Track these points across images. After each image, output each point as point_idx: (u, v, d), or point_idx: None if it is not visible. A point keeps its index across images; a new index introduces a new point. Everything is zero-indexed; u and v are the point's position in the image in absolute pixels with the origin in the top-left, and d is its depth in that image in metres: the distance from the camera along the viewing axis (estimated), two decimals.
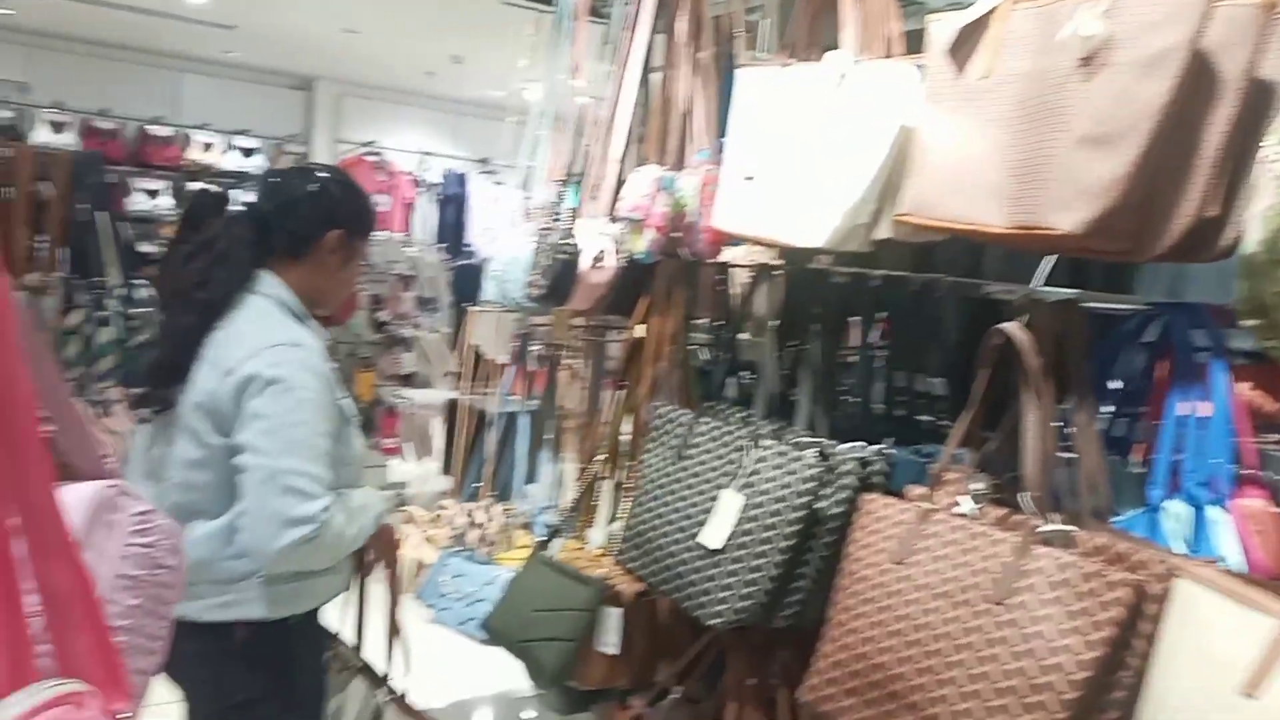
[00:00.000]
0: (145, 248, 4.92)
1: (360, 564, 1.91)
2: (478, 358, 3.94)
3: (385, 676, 2.02)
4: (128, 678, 0.77)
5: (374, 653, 2.05)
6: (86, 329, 2.34)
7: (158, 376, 1.64)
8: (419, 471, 4.96)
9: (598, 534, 2.33)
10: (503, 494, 3.08)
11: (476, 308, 3.03)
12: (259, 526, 1.50)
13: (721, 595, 1.76)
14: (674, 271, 2.20)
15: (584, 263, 2.32)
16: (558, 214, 2.46)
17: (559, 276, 2.28)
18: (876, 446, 1.81)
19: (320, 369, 1.64)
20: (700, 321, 2.43)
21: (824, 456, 1.74)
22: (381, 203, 8.78)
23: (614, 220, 2.35)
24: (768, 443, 1.80)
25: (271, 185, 1.76)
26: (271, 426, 1.52)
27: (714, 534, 1.79)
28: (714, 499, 1.83)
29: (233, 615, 1.59)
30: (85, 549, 0.92)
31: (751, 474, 1.79)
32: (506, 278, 2.66)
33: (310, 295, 1.76)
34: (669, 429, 2.00)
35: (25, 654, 0.66)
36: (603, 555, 2.29)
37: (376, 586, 1.98)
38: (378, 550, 1.91)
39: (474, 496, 3.27)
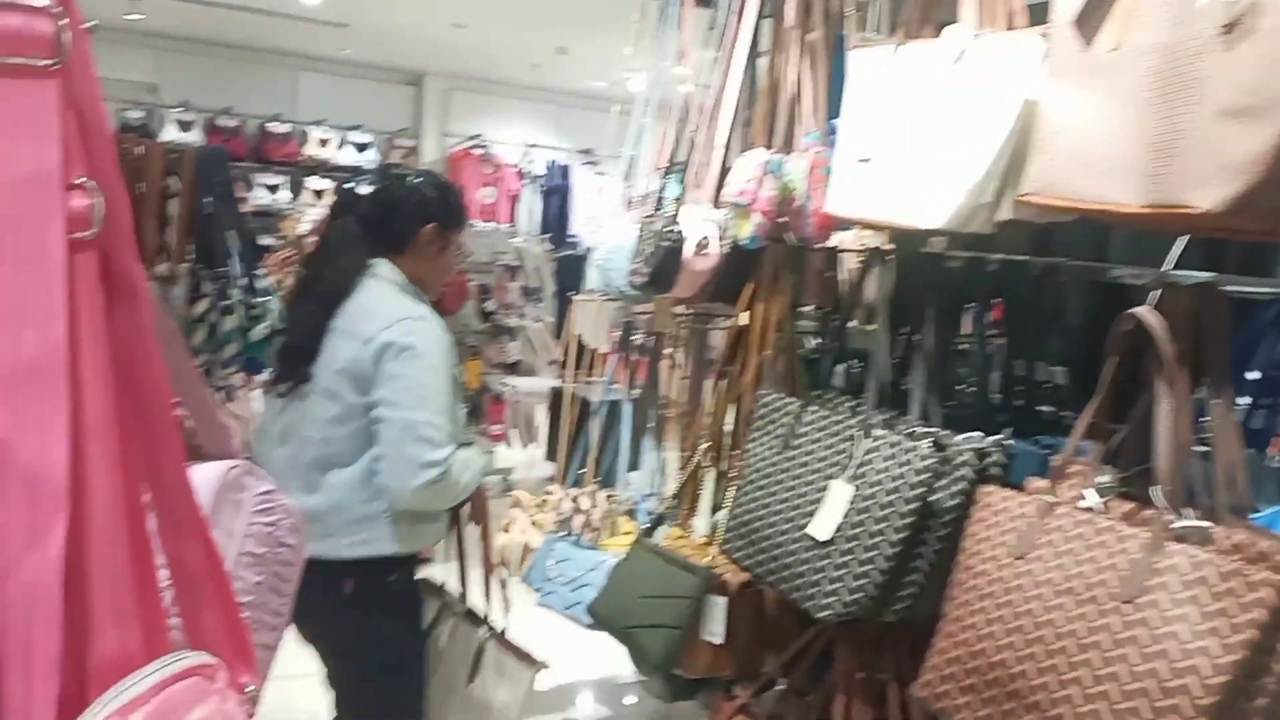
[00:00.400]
0: (265, 240, 5.12)
1: (456, 519, 2.10)
2: (581, 346, 3.97)
3: (485, 617, 2.15)
4: (254, 652, 0.79)
5: (474, 598, 2.24)
6: (211, 317, 2.43)
7: (291, 360, 1.88)
8: (523, 458, 5.04)
9: (701, 522, 2.31)
10: (606, 481, 3.09)
11: (580, 297, 3.04)
12: (397, 469, 1.77)
13: (831, 587, 1.73)
14: (780, 257, 2.17)
15: (688, 250, 2.30)
16: (661, 202, 2.45)
17: (662, 264, 2.27)
18: (994, 437, 1.74)
19: (443, 338, 1.89)
20: (806, 309, 2.39)
21: (939, 447, 1.68)
22: (487, 195, 8.95)
23: (719, 206, 2.33)
24: (880, 433, 1.75)
25: (374, 190, 2.00)
26: (406, 385, 1.77)
27: (823, 525, 1.76)
28: (822, 490, 1.80)
29: (370, 551, 1.81)
30: (213, 527, 0.95)
31: (862, 464, 1.74)
32: (610, 266, 2.66)
33: (415, 282, 1.98)
34: (775, 418, 1.97)
35: (160, 626, 0.69)
36: (707, 544, 2.28)
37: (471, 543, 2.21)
38: (475, 505, 2.12)
39: (578, 483, 3.29)
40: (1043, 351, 2.10)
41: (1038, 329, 2.07)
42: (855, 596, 1.70)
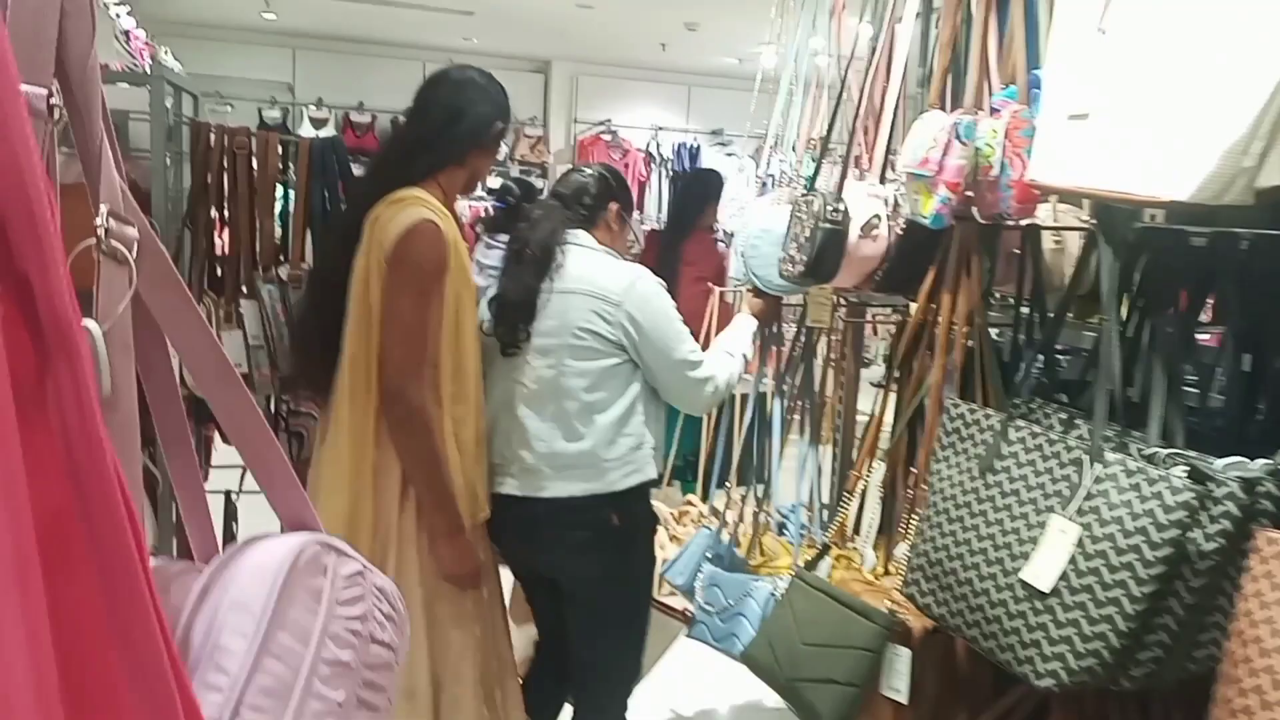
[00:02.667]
0: None
1: None
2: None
3: None
4: None
5: None
6: None
7: (512, 319, 2.03)
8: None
9: (871, 552, 2.00)
10: (746, 482, 2.80)
11: (720, 288, 2.76)
12: (683, 395, 2.12)
13: (1053, 650, 1.39)
14: (970, 238, 1.82)
15: (853, 233, 1.98)
16: (814, 180, 2.13)
17: (822, 250, 1.95)
18: (1262, 461, 1.37)
19: (659, 281, 2.13)
20: (1000, 298, 2.04)
21: (1198, 477, 1.32)
22: None
23: (889, 180, 2.00)
24: (1114, 457, 1.40)
25: (566, 174, 2.26)
26: (662, 329, 2.05)
27: (1043, 572, 1.42)
28: (1036, 526, 1.46)
29: (637, 479, 2.07)
30: (279, 629, 0.71)
31: (1092, 497, 1.40)
32: (755, 254, 2.36)
33: None
34: (971, 434, 1.64)
35: None
36: (880, 576, 1.96)
37: None
38: None
39: (721, 486, 3.00)
40: None
41: None
42: (1085, 663, 1.36)
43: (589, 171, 2.25)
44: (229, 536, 2.59)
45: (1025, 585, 1.44)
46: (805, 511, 2.61)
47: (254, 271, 2.22)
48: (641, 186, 8.78)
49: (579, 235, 2.13)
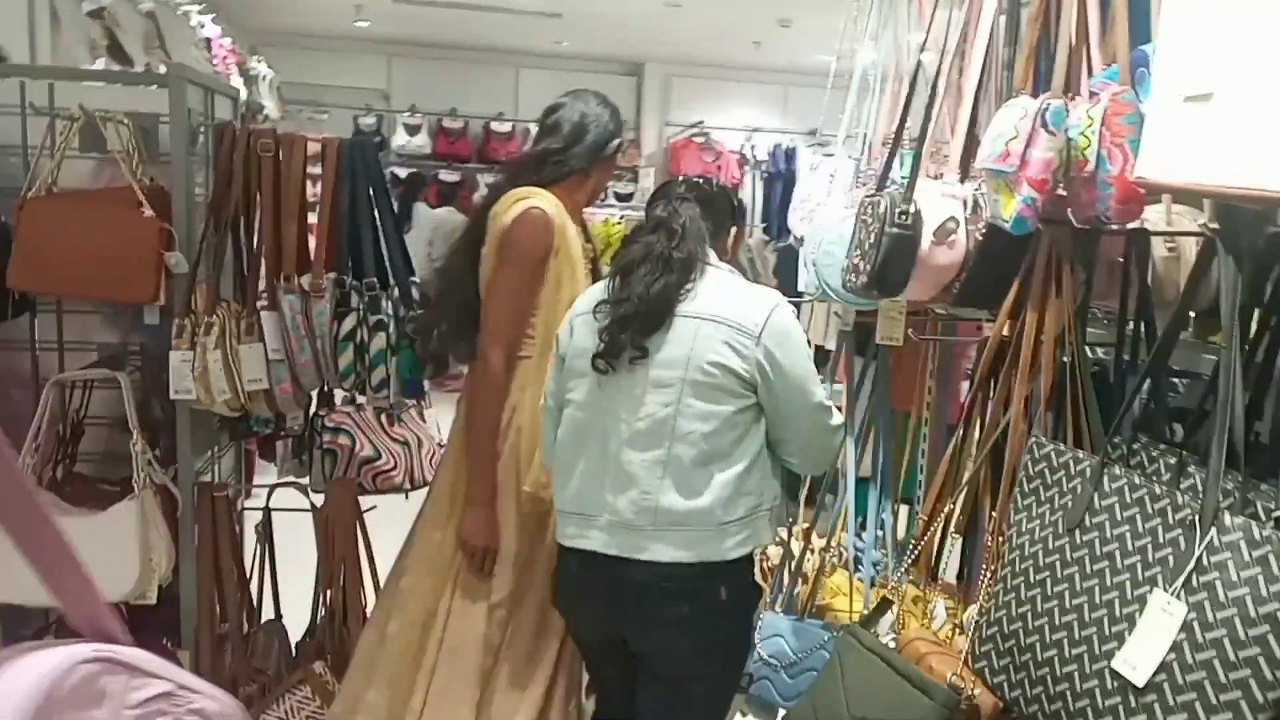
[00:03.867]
0: None
1: None
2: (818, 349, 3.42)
3: None
4: None
5: None
6: (360, 335, 2.09)
7: (635, 328, 1.74)
8: None
9: (943, 607, 1.73)
10: (818, 514, 2.54)
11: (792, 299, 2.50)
12: (813, 446, 1.82)
13: None
14: (1061, 244, 1.54)
15: (925, 238, 1.72)
16: (886, 179, 1.88)
17: (889, 258, 1.70)
18: None
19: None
20: (1103, 316, 1.75)
21: None
22: None
23: (968, 179, 1.73)
24: (1234, 521, 1.11)
25: (697, 184, 1.94)
26: (801, 371, 1.75)
27: (1139, 660, 1.14)
28: (1134, 602, 1.18)
29: (750, 546, 1.77)
30: None
31: (1205, 570, 1.12)
32: (826, 263, 2.11)
33: None
34: (1058, 481, 1.36)
35: None
36: (952, 637, 1.69)
37: None
38: None
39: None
40: None
41: None
42: None
43: (717, 183, 1.99)
44: (267, 554, 2.48)
45: (1116, 675, 1.16)
46: (878, 551, 2.34)
47: (275, 281, 2.09)
48: (734, 189, 8.53)
49: (711, 255, 1.84)
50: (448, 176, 8.50)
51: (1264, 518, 1.15)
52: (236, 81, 5.01)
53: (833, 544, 2.34)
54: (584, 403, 1.80)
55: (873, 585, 2.28)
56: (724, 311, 1.73)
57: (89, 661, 0.57)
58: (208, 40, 4.61)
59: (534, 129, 8.22)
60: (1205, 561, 1.12)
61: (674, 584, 1.70)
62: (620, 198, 8.03)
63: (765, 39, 7.36)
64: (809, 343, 1.85)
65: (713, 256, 1.84)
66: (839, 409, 1.85)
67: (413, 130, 8.44)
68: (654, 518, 1.69)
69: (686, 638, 1.76)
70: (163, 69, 2.78)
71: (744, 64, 8.51)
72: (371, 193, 2.22)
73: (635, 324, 1.73)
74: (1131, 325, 1.62)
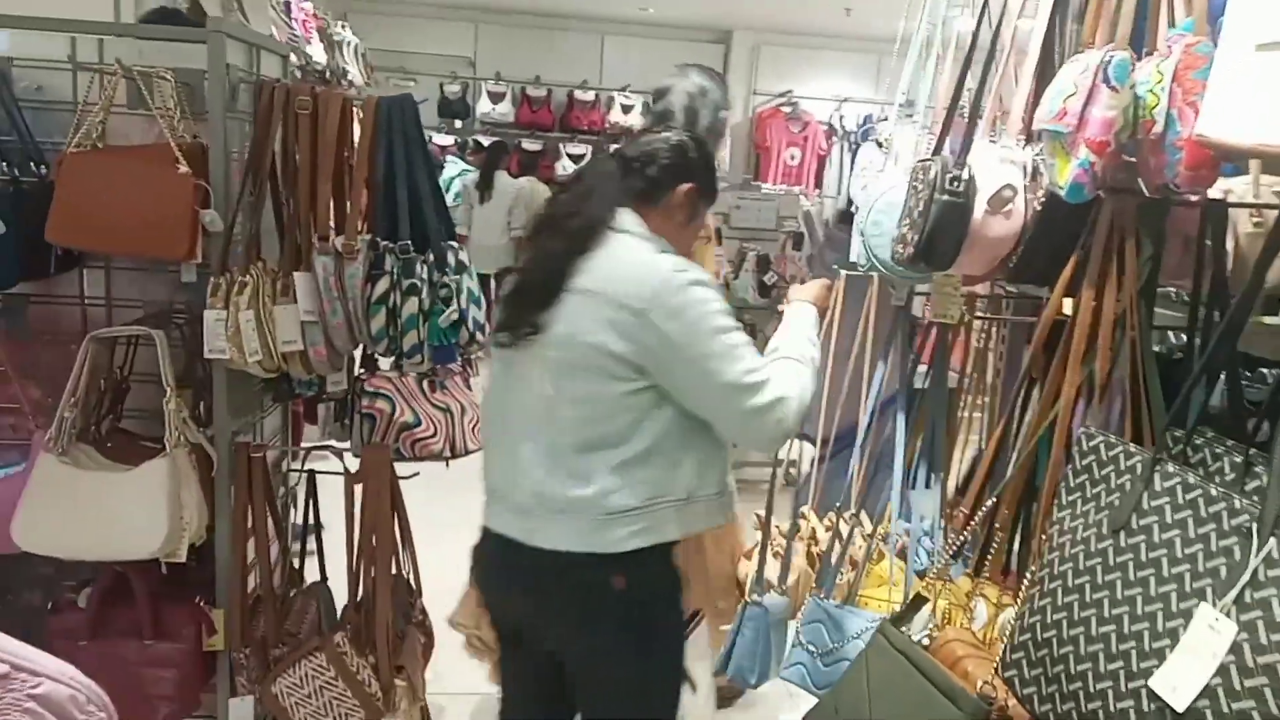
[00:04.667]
0: None
1: None
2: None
3: None
4: None
5: None
6: (393, 299, 2.05)
7: (526, 301, 1.65)
8: (794, 453, 4.42)
9: (985, 605, 1.61)
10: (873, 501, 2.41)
11: (844, 271, 2.37)
12: (744, 431, 1.61)
13: None
14: (1125, 215, 1.39)
15: (979, 207, 1.58)
16: (942, 145, 1.74)
17: (939, 227, 1.57)
18: None
19: (706, 278, 1.63)
20: (1168, 294, 1.59)
21: None
22: (791, 157, 8.30)
23: (1027, 142, 1.58)
24: None
25: (639, 136, 1.83)
26: (701, 348, 1.56)
27: (1180, 682, 1.01)
28: (1179, 616, 1.05)
29: (652, 540, 1.61)
30: None
31: (1260, 585, 0.98)
32: (876, 233, 1.98)
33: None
34: (1106, 476, 1.23)
35: None
36: (993, 639, 1.57)
37: None
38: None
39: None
40: None
41: None
42: None
43: (667, 136, 1.77)
44: (313, 516, 2.48)
45: (1154, 697, 1.04)
46: (927, 540, 2.22)
47: (310, 241, 2.06)
48: (821, 160, 8.31)
49: (624, 216, 1.67)
50: (530, 145, 8.49)
51: None
52: (317, 47, 5.04)
53: (879, 531, 2.22)
54: (494, 380, 1.75)
55: (921, 576, 2.16)
56: (609, 286, 1.57)
57: None
58: (287, 4, 4.63)
59: (618, 97, 8.18)
60: (1262, 575, 0.99)
61: (561, 573, 1.61)
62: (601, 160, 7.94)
63: (857, 5, 7.11)
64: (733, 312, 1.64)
65: (629, 221, 1.67)
66: (766, 381, 1.58)
67: (497, 98, 8.44)
68: (541, 503, 1.61)
69: (583, 632, 1.67)
70: None
71: (834, 31, 8.26)
72: (406, 152, 2.16)
73: (527, 297, 1.64)
74: (1205, 311, 1.46)
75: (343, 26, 6.20)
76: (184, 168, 1.96)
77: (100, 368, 2.14)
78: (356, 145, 2.10)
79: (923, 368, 2.20)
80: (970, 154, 1.63)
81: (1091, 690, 1.13)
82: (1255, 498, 1.06)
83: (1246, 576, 0.99)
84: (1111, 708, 1.09)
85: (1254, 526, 1.02)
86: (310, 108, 2.06)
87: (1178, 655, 1.03)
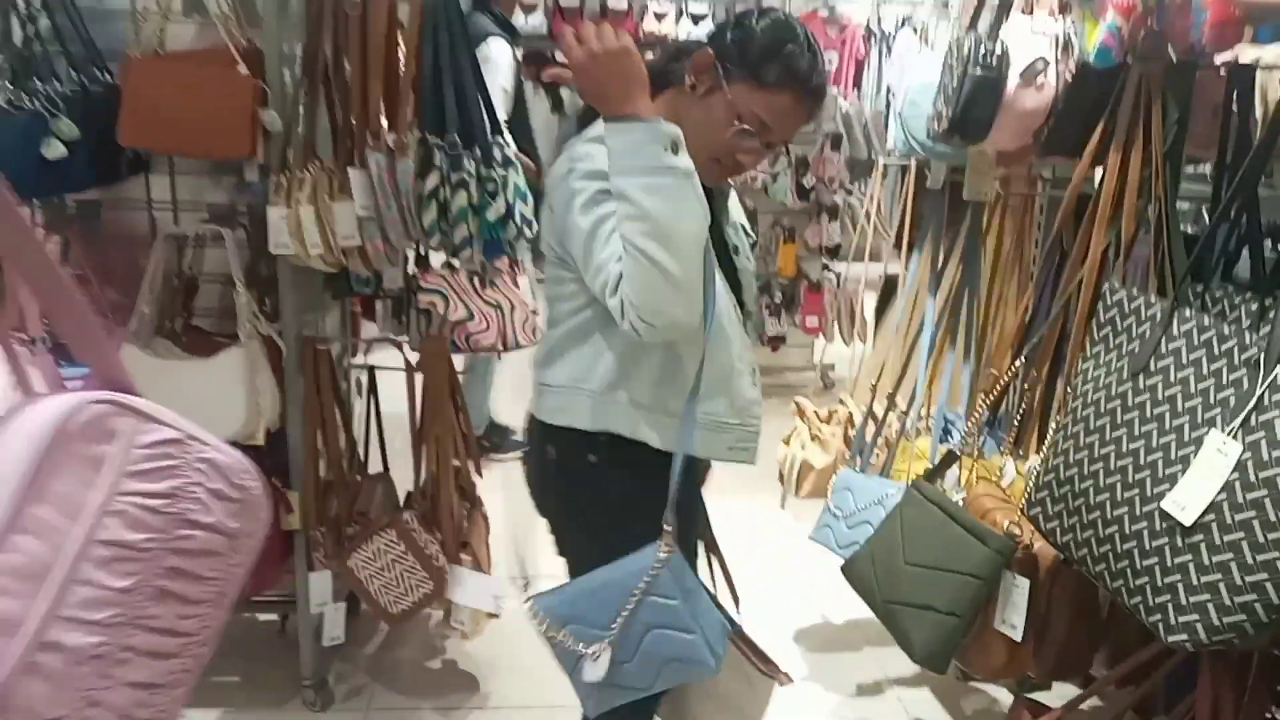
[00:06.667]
0: None
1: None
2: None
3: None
4: None
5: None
6: (443, 193, 2.14)
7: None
8: (847, 354, 4.50)
9: (1013, 464, 1.70)
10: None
11: (883, 160, 2.41)
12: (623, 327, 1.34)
13: (1192, 599, 1.09)
14: (1151, 81, 1.44)
15: (1012, 81, 1.63)
16: (976, 21, 1.77)
17: (972, 101, 1.62)
18: None
19: (590, 167, 1.35)
20: (1196, 162, 1.63)
21: None
22: (830, 61, 8.18)
23: (1060, 13, 1.62)
24: None
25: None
26: (568, 227, 1.37)
27: (1189, 500, 1.11)
28: (1191, 444, 1.14)
29: (566, 421, 1.50)
30: (37, 502, 0.60)
31: (1264, 410, 1.06)
32: (913, 114, 2.03)
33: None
34: (1128, 327, 1.31)
35: None
36: (1019, 495, 1.67)
37: None
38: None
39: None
40: None
41: None
42: (1233, 618, 1.06)
43: (671, 41, 1.60)
44: (371, 409, 2.62)
45: (1166, 516, 1.13)
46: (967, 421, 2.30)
47: (363, 139, 2.14)
48: (860, 64, 8.18)
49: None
50: (561, 57, 8.44)
51: None
52: None
53: (912, 411, 2.31)
54: None
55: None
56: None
57: (100, 402, 0.63)
58: None
59: (651, 4, 7.88)
60: (1266, 400, 1.07)
61: (529, 433, 1.60)
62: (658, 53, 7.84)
63: None
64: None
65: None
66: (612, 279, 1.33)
67: (529, 9, 8.36)
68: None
69: (535, 492, 1.65)
70: None
71: None
72: (451, 51, 2.23)
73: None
74: (1230, 177, 1.51)
75: None
76: (243, 68, 2.04)
77: (171, 267, 2.27)
78: (404, 44, 2.16)
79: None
80: (1003, 28, 1.67)
81: (1109, 517, 1.22)
82: (1260, 336, 1.14)
83: (1253, 403, 1.08)
84: (1127, 530, 1.19)
85: (1261, 358, 1.09)
86: (359, 9, 2.12)
87: (1187, 478, 1.12)
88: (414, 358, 2.53)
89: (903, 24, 7.89)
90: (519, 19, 8.43)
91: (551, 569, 1.65)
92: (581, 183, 1.33)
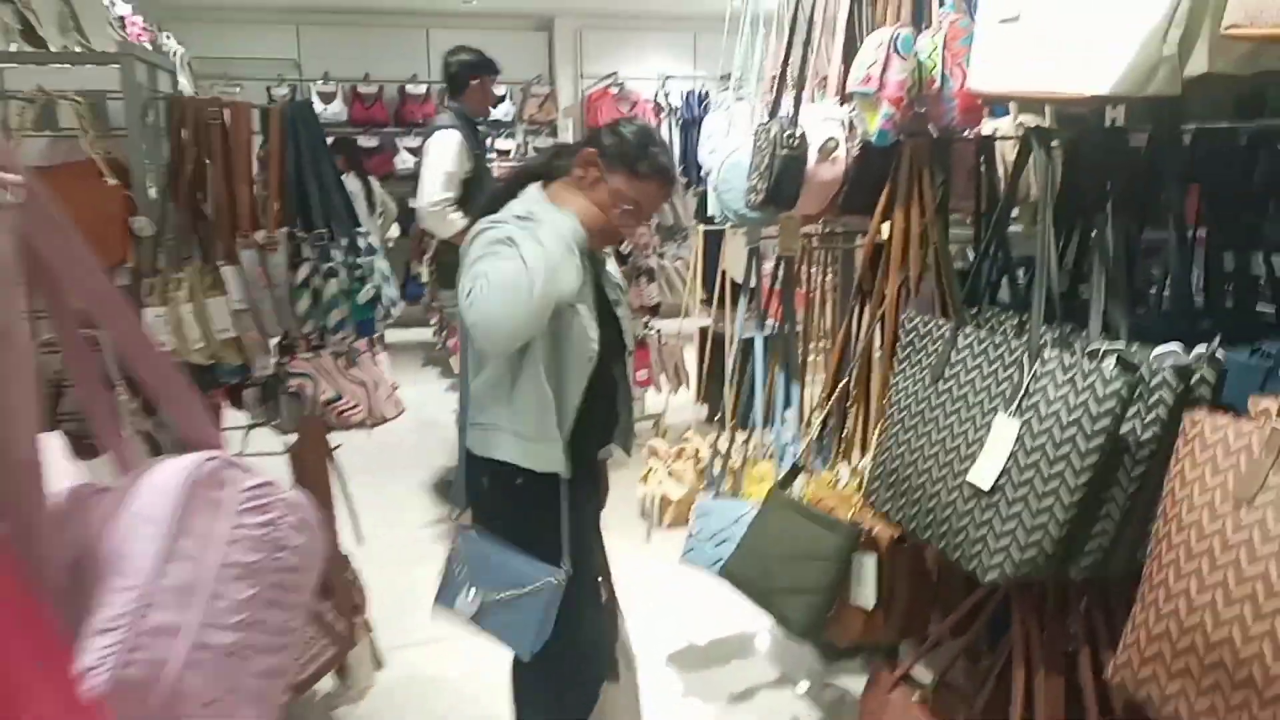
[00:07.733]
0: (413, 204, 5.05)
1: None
2: (732, 282, 3.71)
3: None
4: None
5: None
6: (315, 282, 2.31)
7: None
8: (674, 403, 4.84)
9: (846, 469, 2.04)
10: (746, 423, 2.84)
11: (702, 226, 2.77)
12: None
13: (998, 544, 1.43)
14: (919, 153, 1.83)
15: (811, 157, 2.00)
16: (776, 109, 2.14)
17: (781, 176, 1.97)
18: (1199, 349, 1.39)
19: (508, 235, 1.58)
20: (960, 213, 2.05)
21: (1127, 366, 1.35)
22: None
23: (843, 101, 2.01)
24: (1050, 354, 1.42)
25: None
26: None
27: (985, 470, 1.45)
28: (984, 428, 1.49)
29: (489, 453, 1.71)
30: (183, 536, 0.78)
31: (1031, 394, 1.43)
32: (727, 188, 2.38)
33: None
34: (924, 346, 1.67)
35: None
36: (857, 492, 2.01)
37: None
38: None
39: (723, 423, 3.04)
40: (1258, 239, 1.70)
41: (1252, 212, 1.67)
42: (1028, 555, 1.40)
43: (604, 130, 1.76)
44: None
45: (971, 486, 1.47)
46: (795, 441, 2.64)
47: (233, 238, 2.28)
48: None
49: (527, 190, 1.74)
50: (366, 142, 8.57)
51: (1076, 351, 1.46)
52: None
53: (753, 440, 2.63)
54: None
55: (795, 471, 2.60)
56: None
57: (212, 460, 0.81)
58: (121, 19, 4.65)
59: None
60: (1031, 387, 1.43)
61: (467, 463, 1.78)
62: (540, 151, 8.21)
63: None
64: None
65: (529, 191, 1.74)
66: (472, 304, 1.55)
67: (327, 98, 8.46)
68: None
69: (480, 518, 1.81)
70: (78, 49, 2.90)
71: (653, 13, 8.70)
72: (312, 151, 2.41)
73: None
74: (985, 220, 1.93)
75: (167, 37, 6.16)
76: (111, 180, 2.15)
77: (44, 374, 2.30)
78: (264, 149, 2.33)
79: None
80: (799, 115, 2.04)
81: (928, 493, 1.56)
82: (1023, 340, 1.52)
83: (1024, 389, 1.44)
84: (943, 500, 1.52)
85: (1025, 357, 1.46)
86: (220, 118, 2.28)
87: (983, 454, 1.47)
88: (284, 441, 2.64)
89: (689, 95, 8.50)
90: (318, 107, 8.46)
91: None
92: (486, 246, 1.57)
